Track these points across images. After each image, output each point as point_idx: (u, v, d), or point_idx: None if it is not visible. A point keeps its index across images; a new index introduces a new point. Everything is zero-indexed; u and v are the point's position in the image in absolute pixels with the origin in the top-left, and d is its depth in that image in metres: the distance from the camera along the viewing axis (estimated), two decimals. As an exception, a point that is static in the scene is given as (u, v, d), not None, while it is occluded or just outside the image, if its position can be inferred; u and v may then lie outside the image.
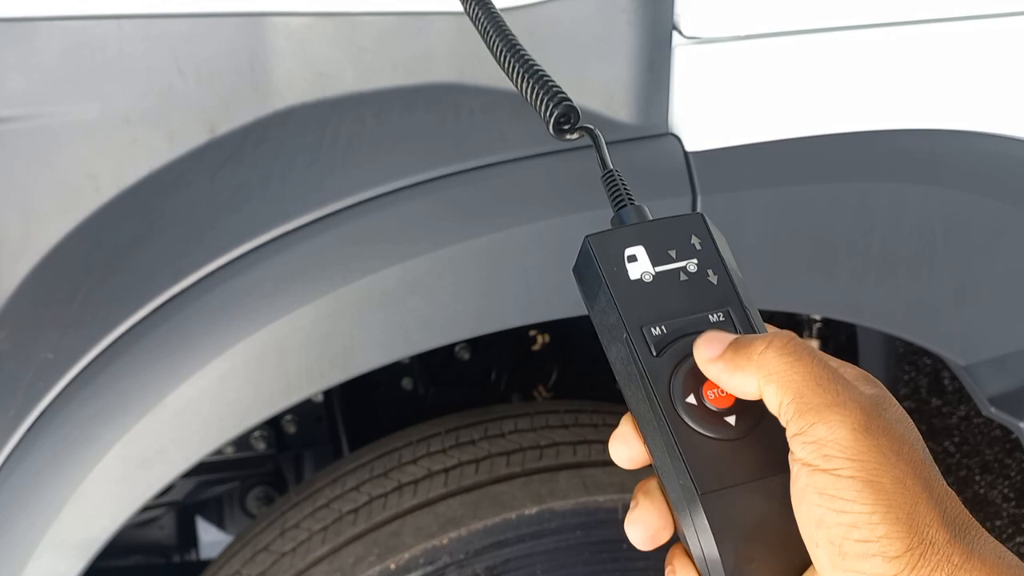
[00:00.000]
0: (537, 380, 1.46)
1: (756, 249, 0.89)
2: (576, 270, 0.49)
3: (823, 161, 0.92)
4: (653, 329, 0.46)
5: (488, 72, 0.87)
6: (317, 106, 0.87)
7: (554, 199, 0.87)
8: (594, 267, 0.48)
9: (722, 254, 0.49)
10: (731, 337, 0.46)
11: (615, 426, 0.49)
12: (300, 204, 0.83)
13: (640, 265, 0.48)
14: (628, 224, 0.50)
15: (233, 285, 0.81)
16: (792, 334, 0.46)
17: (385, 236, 0.83)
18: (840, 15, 0.89)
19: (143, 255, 0.84)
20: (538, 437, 1.05)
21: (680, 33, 0.86)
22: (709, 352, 0.46)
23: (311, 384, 0.84)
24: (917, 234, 0.95)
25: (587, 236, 0.48)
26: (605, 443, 0.63)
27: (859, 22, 0.90)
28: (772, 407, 0.44)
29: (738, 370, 0.45)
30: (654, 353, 0.46)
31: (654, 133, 0.88)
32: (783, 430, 0.44)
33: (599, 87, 0.87)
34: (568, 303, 0.88)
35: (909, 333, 0.99)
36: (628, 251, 0.48)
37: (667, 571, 0.47)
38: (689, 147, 0.88)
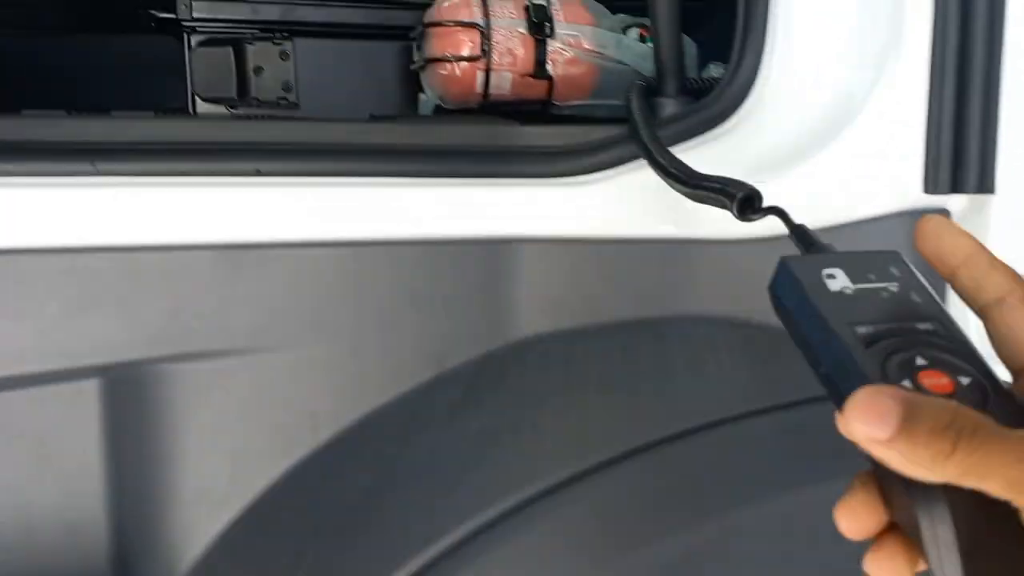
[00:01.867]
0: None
1: None
2: (772, 288, 0.48)
3: None
4: (859, 328, 0.44)
5: (748, 302, 0.79)
6: (555, 338, 0.79)
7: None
8: (792, 281, 0.46)
9: (924, 283, 0.47)
10: (898, 403, 0.36)
11: None
12: (558, 456, 0.73)
13: (839, 281, 0.46)
14: (823, 251, 0.50)
15: (490, 559, 0.69)
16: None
17: (666, 498, 0.72)
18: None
19: (379, 515, 0.73)
20: None
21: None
22: (875, 430, 0.36)
23: None
24: None
25: (783, 257, 0.47)
26: None
27: None
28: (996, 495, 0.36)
29: (926, 463, 0.36)
30: (864, 347, 0.43)
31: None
32: (1017, 410, 0.40)
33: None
34: None
35: None
36: (826, 271, 0.46)
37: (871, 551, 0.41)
38: None
